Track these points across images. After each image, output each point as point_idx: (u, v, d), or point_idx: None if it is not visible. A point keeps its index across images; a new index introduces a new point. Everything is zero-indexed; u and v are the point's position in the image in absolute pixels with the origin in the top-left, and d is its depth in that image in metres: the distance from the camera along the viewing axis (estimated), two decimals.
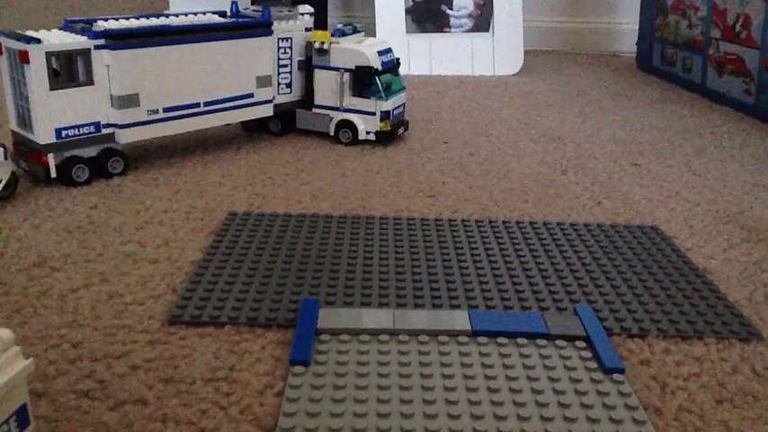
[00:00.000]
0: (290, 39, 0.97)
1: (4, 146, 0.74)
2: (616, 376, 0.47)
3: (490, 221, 0.72)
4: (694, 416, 0.44)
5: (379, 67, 0.95)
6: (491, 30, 1.54)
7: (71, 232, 0.67)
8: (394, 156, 0.94)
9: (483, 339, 0.50)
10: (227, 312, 0.53)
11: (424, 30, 1.56)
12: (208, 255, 0.62)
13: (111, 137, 0.81)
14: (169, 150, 0.93)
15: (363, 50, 0.95)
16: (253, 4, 0.99)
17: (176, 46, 0.84)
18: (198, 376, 0.46)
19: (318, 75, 0.99)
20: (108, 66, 0.79)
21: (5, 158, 0.74)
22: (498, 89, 1.40)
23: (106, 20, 0.84)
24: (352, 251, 0.64)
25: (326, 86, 0.98)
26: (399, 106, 1.00)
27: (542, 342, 0.50)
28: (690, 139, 1.06)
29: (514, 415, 0.43)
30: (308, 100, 1.01)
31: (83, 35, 0.79)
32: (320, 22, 1.57)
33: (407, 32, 1.55)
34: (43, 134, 0.76)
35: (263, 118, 0.98)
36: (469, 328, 0.51)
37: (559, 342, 0.50)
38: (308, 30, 0.99)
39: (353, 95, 0.97)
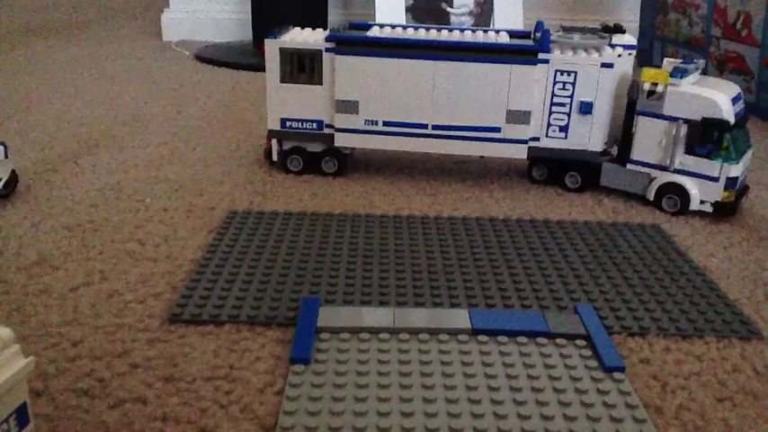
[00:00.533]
0: (575, 73, 0.79)
1: (4, 144, 0.74)
2: (616, 375, 0.47)
3: (490, 219, 0.72)
4: (695, 414, 0.44)
5: (732, 121, 0.75)
6: (491, 27, 1.54)
7: (71, 230, 0.67)
8: (393, 153, 0.94)
9: (483, 338, 0.50)
10: (227, 311, 0.53)
11: None
12: (208, 253, 0.62)
13: (331, 137, 0.83)
14: (169, 148, 0.93)
15: (714, 98, 0.74)
16: (564, 31, 0.86)
17: (404, 60, 0.80)
18: (198, 375, 0.46)
19: (643, 123, 0.78)
20: (333, 69, 0.81)
21: (6, 156, 0.74)
22: None
23: (382, 26, 0.86)
24: (352, 249, 0.64)
25: (652, 139, 0.78)
26: (744, 170, 0.78)
27: (542, 340, 0.50)
28: None
29: (514, 413, 0.43)
30: (621, 153, 0.82)
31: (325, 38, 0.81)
32: (320, 22, 1.57)
33: None
34: (270, 121, 0.84)
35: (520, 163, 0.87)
36: (470, 327, 0.51)
37: (560, 340, 0.50)
38: (604, 66, 0.78)
39: (686, 153, 0.76)
